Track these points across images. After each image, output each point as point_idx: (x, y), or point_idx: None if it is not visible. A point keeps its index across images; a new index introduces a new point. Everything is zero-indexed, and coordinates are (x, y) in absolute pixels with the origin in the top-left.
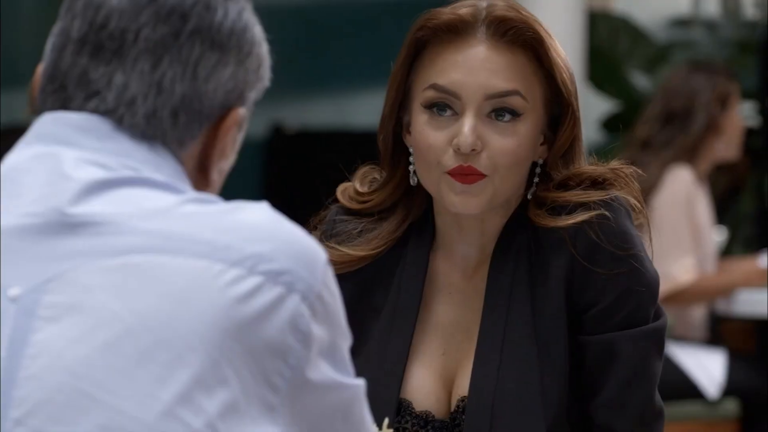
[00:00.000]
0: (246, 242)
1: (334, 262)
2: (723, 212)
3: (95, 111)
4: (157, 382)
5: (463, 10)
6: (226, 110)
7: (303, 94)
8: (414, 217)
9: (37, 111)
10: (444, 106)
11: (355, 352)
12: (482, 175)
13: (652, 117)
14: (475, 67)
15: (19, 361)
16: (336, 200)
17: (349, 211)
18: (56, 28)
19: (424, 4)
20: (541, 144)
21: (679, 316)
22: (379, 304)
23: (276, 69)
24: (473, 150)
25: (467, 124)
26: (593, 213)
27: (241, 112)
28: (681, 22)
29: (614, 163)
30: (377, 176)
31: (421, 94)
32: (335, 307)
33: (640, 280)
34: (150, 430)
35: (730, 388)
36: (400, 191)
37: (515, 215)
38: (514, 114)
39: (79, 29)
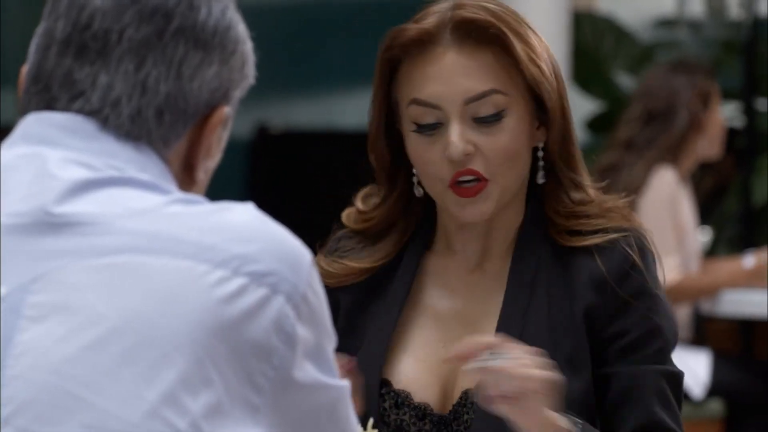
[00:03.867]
0: (231, 243)
1: (337, 275)
2: (708, 213)
3: (80, 111)
4: (143, 381)
5: (428, 20)
6: (210, 109)
7: (288, 94)
8: (413, 226)
9: (22, 112)
10: (432, 125)
11: (354, 352)
12: (484, 181)
13: (632, 117)
14: (448, 75)
15: (4, 361)
16: (342, 225)
17: (355, 233)
18: (40, 29)
19: (410, 4)
20: (538, 128)
21: None
22: (378, 309)
23: (261, 69)
24: (467, 155)
25: (454, 132)
26: (621, 234)
27: (226, 110)
28: (665, 23)
29: (609, 201)
30: (376, 198)
31: (406, 111)
32: (320, 309)
33: (667, 322)
34: (135, 429)
35: (715, 389)
36: (400, 204)
37: (532, 212)
38: (499, 111)
39: (63, 30)
